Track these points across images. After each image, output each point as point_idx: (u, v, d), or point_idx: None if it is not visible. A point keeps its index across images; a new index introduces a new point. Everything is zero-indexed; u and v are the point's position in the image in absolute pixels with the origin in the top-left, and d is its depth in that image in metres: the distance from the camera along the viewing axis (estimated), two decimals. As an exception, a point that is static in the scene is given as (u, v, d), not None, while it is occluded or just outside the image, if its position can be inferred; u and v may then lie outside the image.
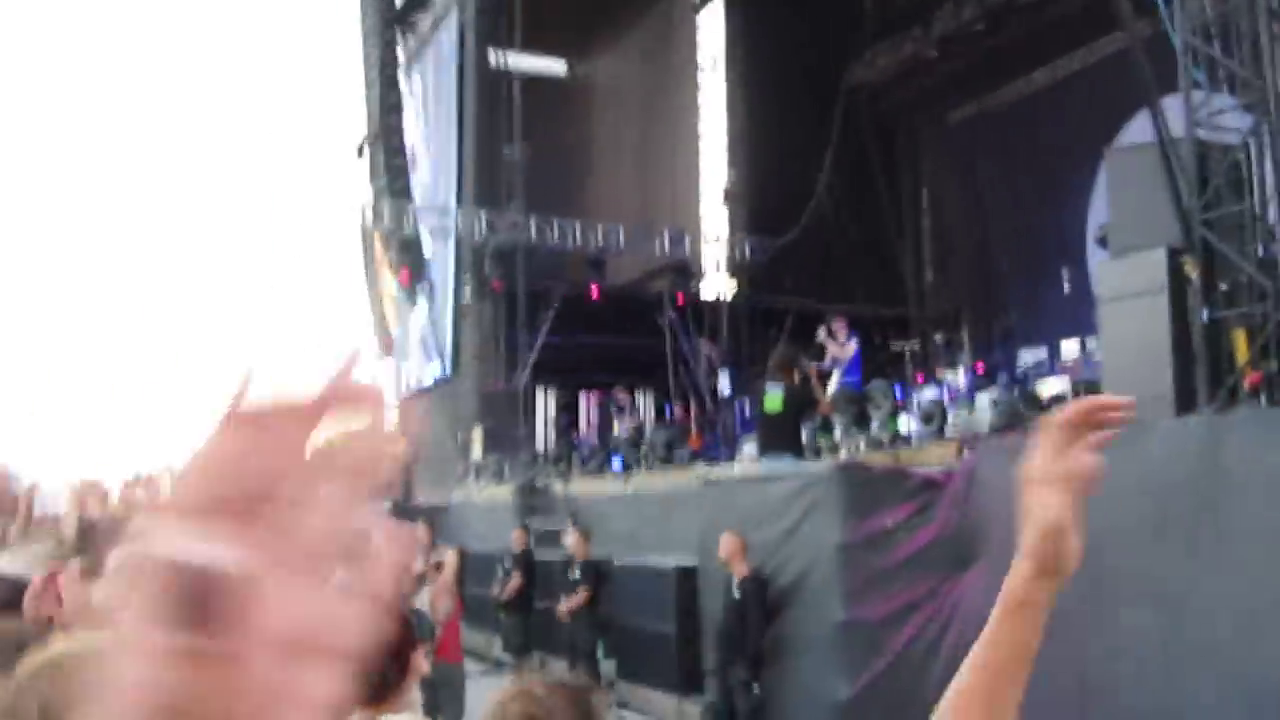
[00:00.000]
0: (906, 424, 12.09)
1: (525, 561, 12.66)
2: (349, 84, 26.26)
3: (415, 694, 2.88)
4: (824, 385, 11.89)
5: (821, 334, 13.69)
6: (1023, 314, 16.87)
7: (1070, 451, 1.20)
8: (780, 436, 10.54)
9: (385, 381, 28.21)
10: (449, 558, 9.25)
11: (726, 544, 9.24)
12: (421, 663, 2.90)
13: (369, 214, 21.66)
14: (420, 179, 25.09)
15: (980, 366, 13.97)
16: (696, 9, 24.73)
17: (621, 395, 19.30)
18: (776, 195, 22.09)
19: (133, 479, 10.22)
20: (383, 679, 2.73)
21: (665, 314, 21.55)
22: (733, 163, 24.17)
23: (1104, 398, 1.28)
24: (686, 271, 22.85)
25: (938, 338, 18.40)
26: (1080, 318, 13.38)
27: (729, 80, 24.70)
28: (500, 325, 22.31)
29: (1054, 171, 19.03)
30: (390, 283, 26.64)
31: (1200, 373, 8.27)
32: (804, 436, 11.38)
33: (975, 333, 18.53)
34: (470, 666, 9.25)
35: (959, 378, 13.21)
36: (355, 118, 26.55)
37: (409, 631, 2.97)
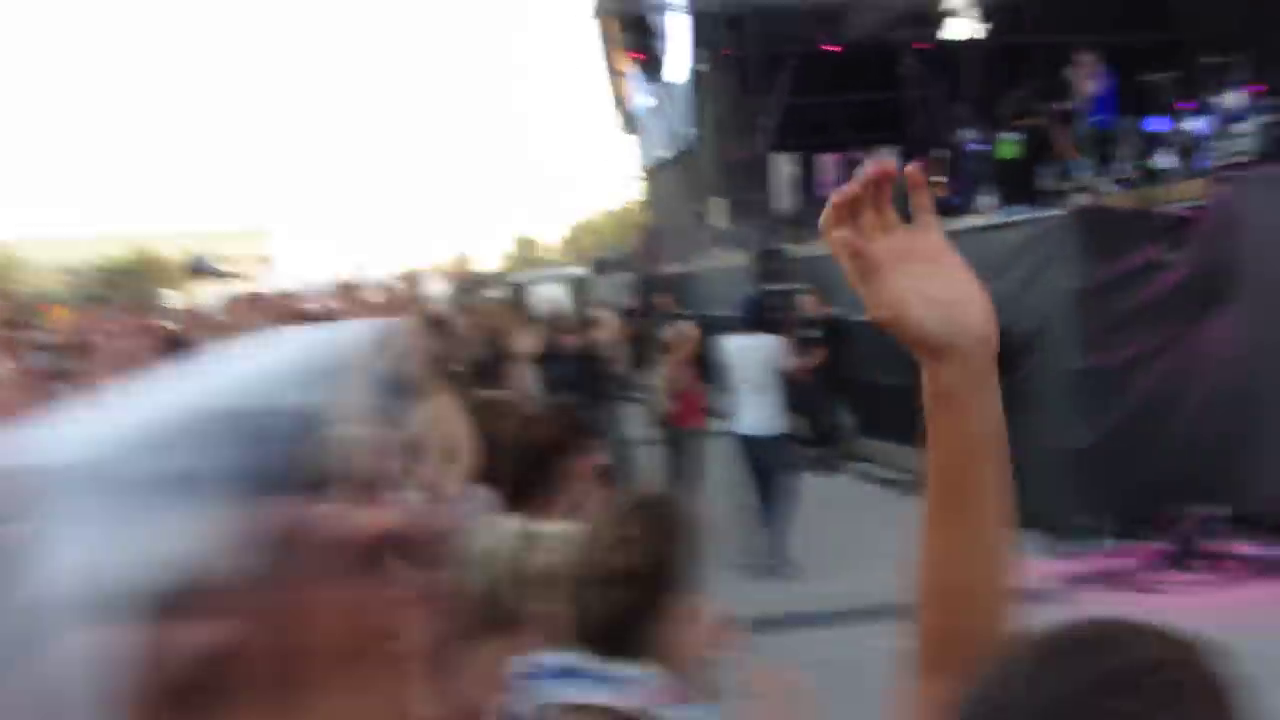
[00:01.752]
0: (1162, 161, 11.28)
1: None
2: None
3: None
4: (1068, 127, 11.22)
5: (1070, 71, 12.84)
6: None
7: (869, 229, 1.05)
8: (1018, 184, 10.08)
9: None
10: (687, 333, 9.46)
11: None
12: (586, 468, 2.79)
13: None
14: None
15: (1260, 88, 12.69)
16: None
17: (856, 154, 18.80)
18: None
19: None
20: (523, 484, 2.73)
21: (906, 63, 20.62)
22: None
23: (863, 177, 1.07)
24: (925, 17, 21.69)
25: (1205, 60, 16.84)
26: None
27: None
28: (738, 93, 21.95)
29: None
30: (625, 61, 26.53)
31: None
32: (1046, 182, 10.84)
33: (1255, 53, 16.86)
34: (714, 424, 9.55)
35: (1228, 102, 12.09)
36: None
37: (564, 438, 2.81)
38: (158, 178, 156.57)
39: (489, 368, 6.35)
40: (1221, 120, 11.36)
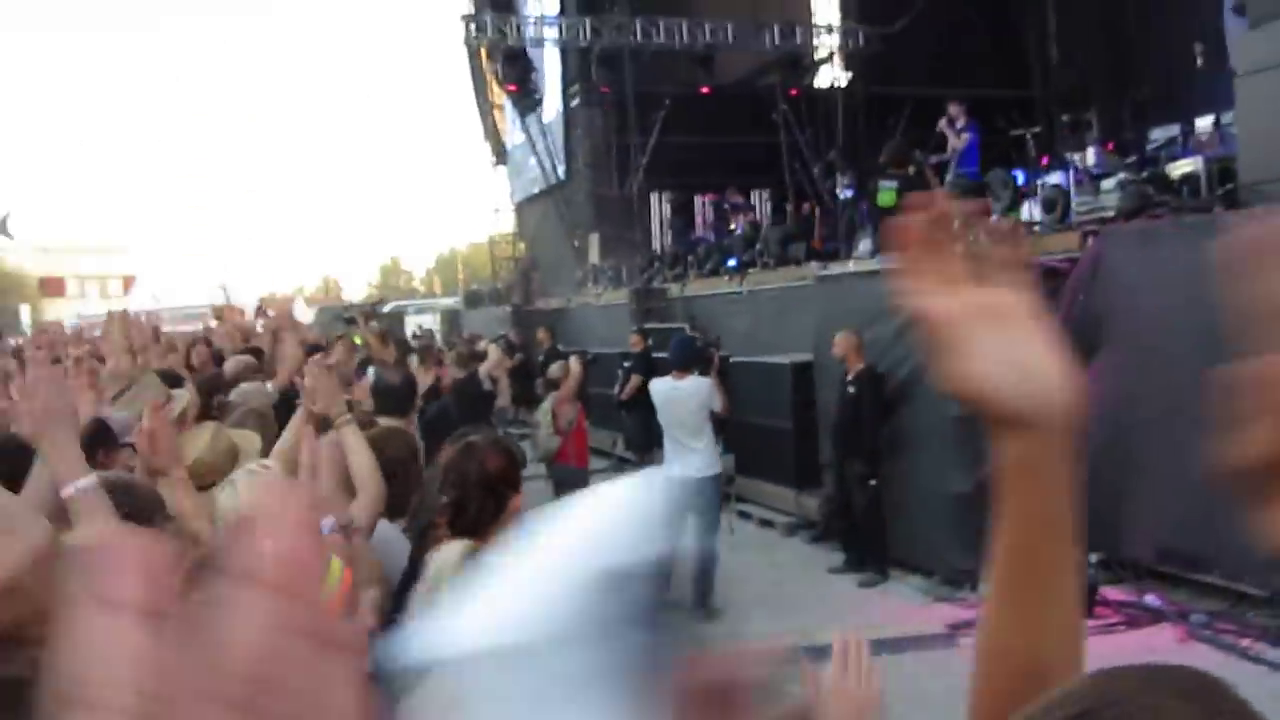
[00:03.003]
0: (1029, 212, 11.71)
1: (644, 362, 12.79)
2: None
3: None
4: (939, 178, 11.56)
5: (942, 123, 13.27)
6: (1154, 89, 16.03)
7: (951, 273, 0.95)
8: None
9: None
10: (572, 368, 9.42)
11: (841, 340, 9.20)
12: (519, 505, 2.94)
13: (473, 27, 21.36)
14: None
15: (1110, 146, 13.36)
16: None
17: (736, 195, 19.09)
18: (890, -21, 21.12)
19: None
20: (479, 513, 2.84)
21: (778, 109, 21.04)
22: (844, -54, 23.16)
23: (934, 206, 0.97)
24: (798, 64, 22.17)
25: (1064, 118, 17.63)
26: (1216, 92, 12.65)
27: None
28: (611, 130, 22.11)
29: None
30: (500, 94, 26.48)
31: (1346, 145, 7.82)
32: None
33: (1104, 111, 17.68)
34: (596, 463, 9.50)
35: (1087, 159, 12.67)
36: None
37: (509, 470, 2.96)
38: (11, 192, 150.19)
39: (399, 399, 6.21)
40: (1083, 176, 11.87)
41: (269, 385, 5.55)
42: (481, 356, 10.28)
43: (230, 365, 6.28)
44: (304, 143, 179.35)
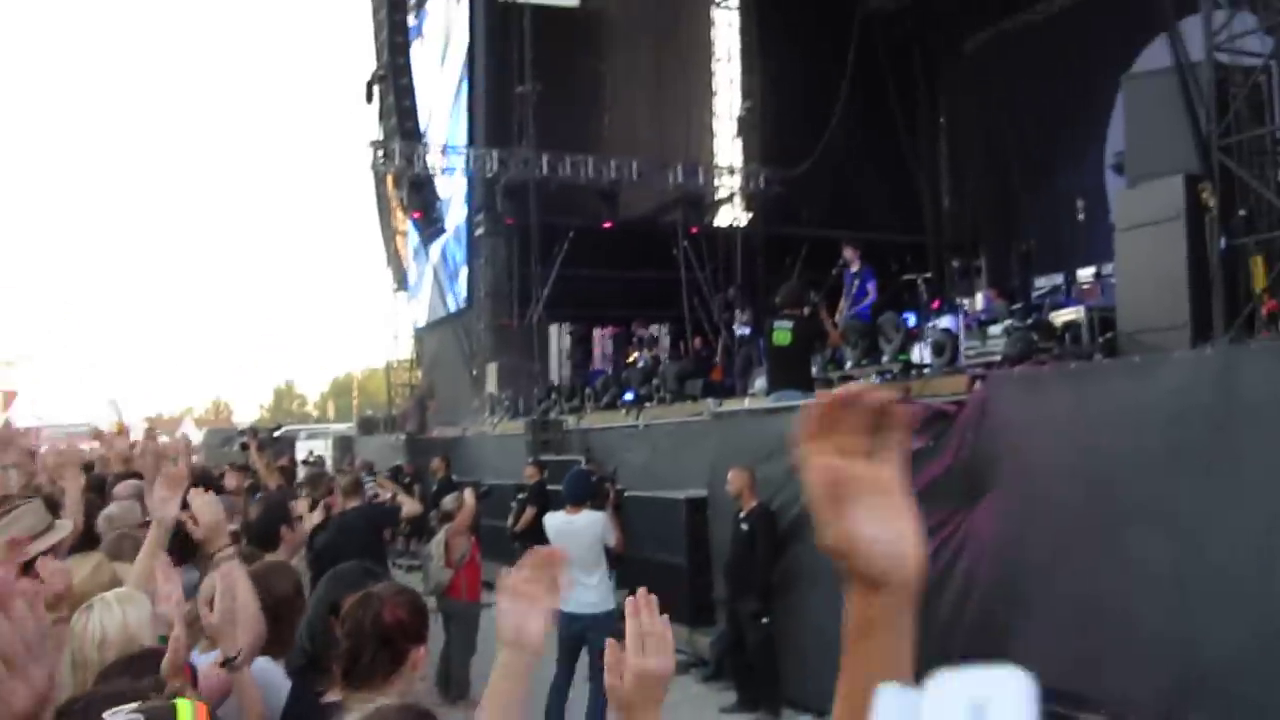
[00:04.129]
0: (919, 355, 12.00)
1: (539, 494, 12.69)
2: (357, 25, 26.18)
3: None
4: (835, 317, 11.81)
5: (840, 264, 13.59)
6: (1040, 241, 16.66)
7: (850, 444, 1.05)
8: (789, 371, 10.46)
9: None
10: (466, 501, 9.28)
11: (735, 477, 9.22)
12: (423, 660, 2.88)
13: (379, 154, 21.53)
14: (431, 117, 24.95)
15: (997, 293, 13.83)
16: (709, -64, 24.37)
17: (637, 328, 19.27)
18: (791, 125, 21.88)
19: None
20: (373, 664, 2.76)
21: (679, 245, 21.43)
22: (747, 93, 23.95)
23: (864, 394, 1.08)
24: (700, 203, 22.71)
25: (954, 264, 18.22)
26: (1097, 245, 13.21)
27: (741, 8, 24.43)
28: (514, 260, 22.28)
29: (1071, 97, 18.77)
30: (404, 220, 26.62)
31: (1217, 301, 8.16)
32: (813, 370, 11.31)
33: (992, 259, 18.34)
34: (489, 597, 9.29)
35: (975, 304, 13.09)
36: (364, 59, 26.36)
37: (409, 624, 2.88)
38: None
39: (263, 530, 5.99)
40: (972, 321, 12.24)
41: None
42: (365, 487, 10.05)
43: (120, 490, 6.04)
44: (199, 259, 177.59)
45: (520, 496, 12.99)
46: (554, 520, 8.42)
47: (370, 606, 2.83)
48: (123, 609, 2.83)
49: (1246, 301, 8.15)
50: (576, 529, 8.24)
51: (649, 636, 1.71)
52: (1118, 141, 11.58)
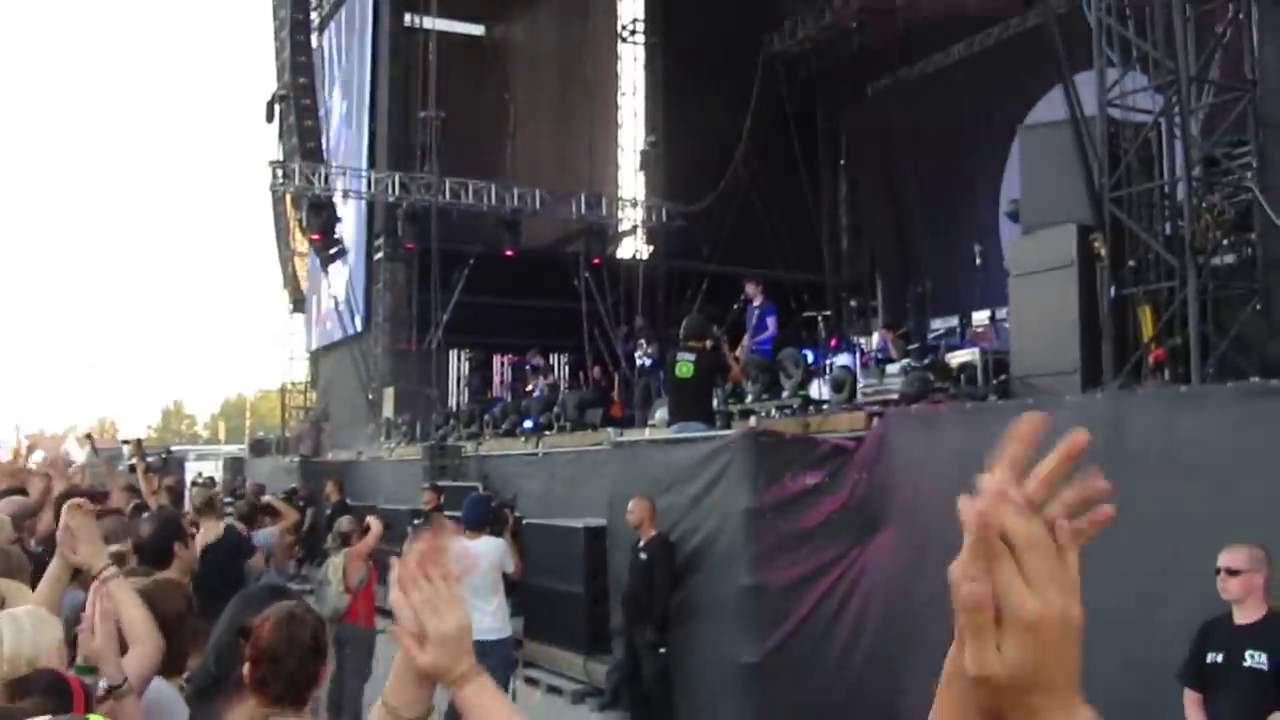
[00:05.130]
0: (818, 390, 12.18)
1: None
2: (259, 44, 25.89)
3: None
4: (736, 351, 11.92)
5: (739, 299, 13.73)
6: (936, 283, 17.09)
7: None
8: (691, 403, 10.53)
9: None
10: (374, 527, 9.16)
11: (636, 507, 9.23)
12: (324, 678, 2.87)
13: (279, 174, 21.23)
14: (333, 140, 24.71)
15: (894, 333, 14.13)
16: (617, -30, 24.62)
17: (536, 357, 19.24)
18: (694, 161, 22.09)
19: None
20: (292, 680, 2.71)
21: (580, 276, 21.48)
22: (650, 128, 24.18)
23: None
24: (603, 235, 22.80)
25: (852, 304, 18.57)
26: (992, 289, 13.57)
27: (648, 44, 24.69)
28: (413, 285, 22.14)
29: (969, 144, 19.28)
30: (302, 242, 26.26)
31: (1106, 348, 8.42)
32: (715, 403, 11.41)
33: (889, 300, 18.74)
34: (383, 623, 9.15)
35: (872, 343, 13.34)
36: (266, 79, 26.05)
37: (325, 644, 2.88)
38: None
39: (156, 547, 5.81)
40: (869, 359, 12.48)
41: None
42: (266, 509, 9.86)
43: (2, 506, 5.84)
44: (84, 273, 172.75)
45: (416, 522, 12.85)
46: (454, 545, 8.34)
47: (301, 623, 2.78)
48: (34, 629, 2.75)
49: (1135, 349, 8.42)
50: (475, 555, 8.19)
51: (437, 599, 1.53)
52: (1013, 189, 11.91)
